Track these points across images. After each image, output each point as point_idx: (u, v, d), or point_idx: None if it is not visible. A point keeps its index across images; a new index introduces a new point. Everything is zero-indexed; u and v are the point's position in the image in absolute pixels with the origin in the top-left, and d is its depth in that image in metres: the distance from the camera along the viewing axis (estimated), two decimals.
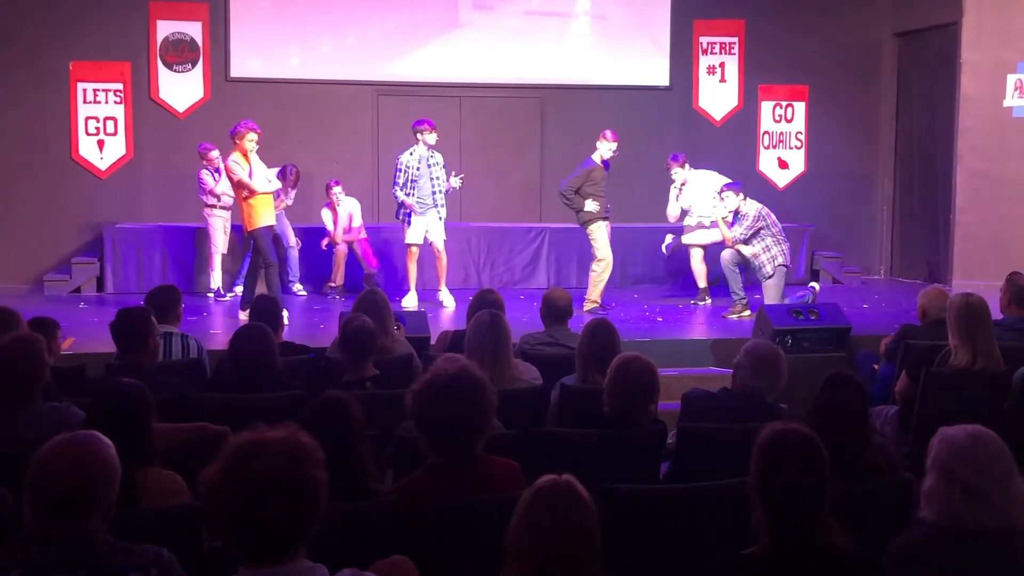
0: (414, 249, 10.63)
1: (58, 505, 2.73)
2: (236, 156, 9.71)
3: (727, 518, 3.59)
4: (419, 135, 10.51)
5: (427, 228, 10.57)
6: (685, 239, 11.07)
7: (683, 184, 11.02)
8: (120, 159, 12.78)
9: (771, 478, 2.93)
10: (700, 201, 10.87)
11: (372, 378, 5.45)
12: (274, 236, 10.19)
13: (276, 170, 11.08)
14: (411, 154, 10.50)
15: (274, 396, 5.08)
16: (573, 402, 5.19)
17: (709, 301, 11.05)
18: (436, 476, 3.59)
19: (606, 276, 10.50)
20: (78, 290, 11.77)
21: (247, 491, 2.42)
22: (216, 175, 11.23)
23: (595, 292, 10.44)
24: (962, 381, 5.78)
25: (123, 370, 5.19)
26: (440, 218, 10.63)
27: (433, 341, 7.26)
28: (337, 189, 11.75)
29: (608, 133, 10.47)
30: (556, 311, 6.57)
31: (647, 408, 4.50)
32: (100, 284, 11.89)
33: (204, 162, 11.32)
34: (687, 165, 11.04)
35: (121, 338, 5.42)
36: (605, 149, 10.46)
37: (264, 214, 9.80)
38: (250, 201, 9.71)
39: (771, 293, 10.03)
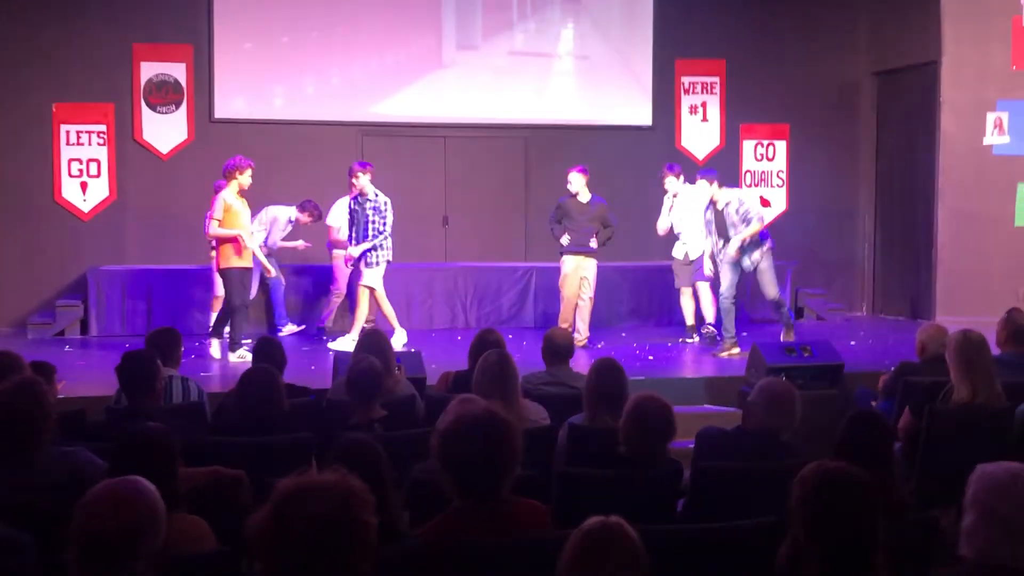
0: (381, 291, 10.49)
1: (107, 552, 2.70)
2: (233, 195, 9.63)
3: (752, 558, 3.58)
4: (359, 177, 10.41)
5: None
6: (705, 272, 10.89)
7: (675, 196, 11.03)
8: (103, 201, 12.67)
9: (826, 518, 2.88)
10: (688, 219, 10.88)
11: (380, 419, 5.41)
12: (261, 279, 10.10)
13: (292, 208, 11.04)
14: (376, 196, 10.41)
15: (282, 439, 5.04)
16: (583, 442, 5.15)
17: (697, 339, 11.09)
18: (462, 518, 3.55)
19: (567, 312, 10.57)
20: (62, 333, 11.61)
21: (298, 537, 2.39)
22: None
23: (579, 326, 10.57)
24: (965, 417, 5.80)
25: (128, 413, 5.13)
26: None
27: (431, 382, 7.23)
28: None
29: (570, 171, 10.62)
30: (557, 350, 6.56)
31: (664, 447, 4.49)
32: (84, 327, 11.74)
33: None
34: (682, 177, 11.06)
35: (128, 381, 5.35)
36: (573, 184, 10.59)
37: (239, 255, 9.73)
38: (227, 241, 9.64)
39: (766, 277, 10.18)
